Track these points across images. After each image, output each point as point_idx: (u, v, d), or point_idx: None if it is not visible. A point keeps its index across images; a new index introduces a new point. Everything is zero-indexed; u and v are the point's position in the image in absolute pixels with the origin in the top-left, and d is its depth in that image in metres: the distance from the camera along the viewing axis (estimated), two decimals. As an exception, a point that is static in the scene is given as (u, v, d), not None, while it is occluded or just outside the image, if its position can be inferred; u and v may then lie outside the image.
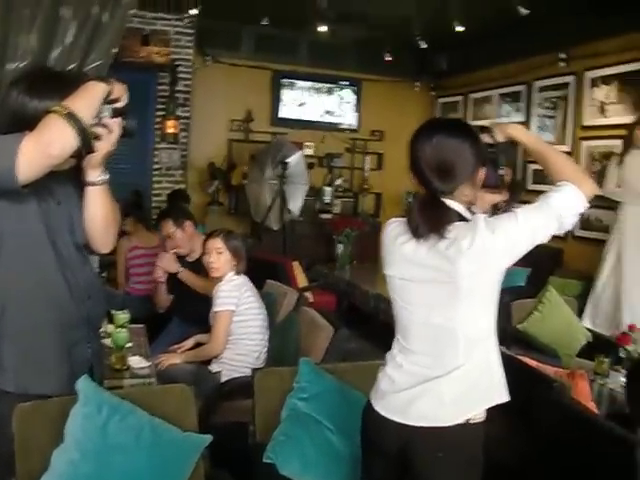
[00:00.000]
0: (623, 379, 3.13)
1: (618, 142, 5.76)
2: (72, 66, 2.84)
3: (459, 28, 6.51)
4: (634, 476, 1.98)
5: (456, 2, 6.07)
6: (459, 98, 8.79)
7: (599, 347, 3.99)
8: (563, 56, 6.78)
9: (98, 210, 2.06)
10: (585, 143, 6.69)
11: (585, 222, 6.46)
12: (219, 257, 3.57)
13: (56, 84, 1.94)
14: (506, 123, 2.02)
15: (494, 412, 1.87)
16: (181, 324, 4.08)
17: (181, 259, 4.17)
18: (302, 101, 8.63)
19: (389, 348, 2.01)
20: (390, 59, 8.00)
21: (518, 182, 6.76)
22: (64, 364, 2.08)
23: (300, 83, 8.60)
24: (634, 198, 5.34)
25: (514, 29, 6.59)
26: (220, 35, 7.83)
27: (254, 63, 8.17)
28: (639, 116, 5.58)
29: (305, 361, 2.69)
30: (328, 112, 8.77)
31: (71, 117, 1.77)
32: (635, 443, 2.02)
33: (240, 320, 3.51)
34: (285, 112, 8.53)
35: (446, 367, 1.82)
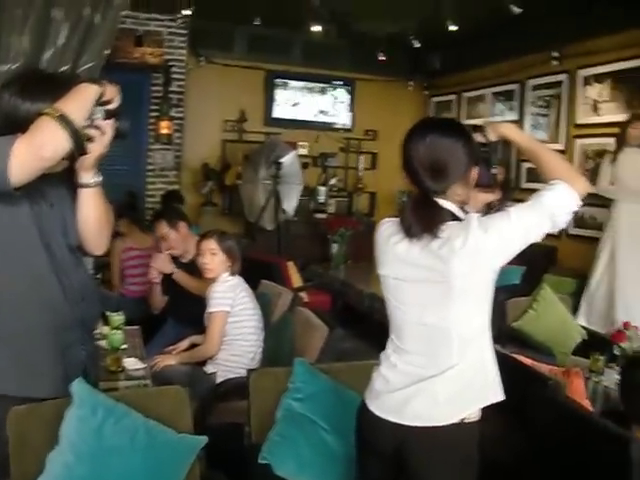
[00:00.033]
0: (618, 376, 3.14)
1: (611, 140, 5.77)
2: (64, 68, 2.84)
3: (452, 27, 6.52)
4: (629, 473, 1.98)
5: (449, 2, 6.07)
6: (452, 97, 8.80)
7: (594, 345, 4.00)
8: (556, 54, 6.80)
9: (91, 212, 2.06)
10: (578, 141, 6.71)
11: (579, 220, 6.48)
12: (213, 258, 3.57)
13: (48, 86, 1.94)
14: (498, 122, 2.02)
15: (489, 411, 1.87)
16: (176, 325, 4.08)
17: (175, 260, 4.17)
18: (296, 101, 8.63)
19: (384, 347, 2.01)
20: (383, 59, 8.01)
21: (509, 181, 6.77)
22: (58, 366, 2.07)
23: (293, 83, 8.60)
24: (627, 195, 5.37)
25: (507, 28, 6.61)
26: (213, 35, 7.84)
27: (247, 63, 8.17)
28: (632, 114, 5.60)
29: (300, 361, 2.69)
30: (322, 112, 8.78)
31: (63, 119, 1.76)
32: (629, 440, 2.02)
33: (235, 321, 3.50)
34: (279, 112, 8.53)
35: (440, 367, 1.82)
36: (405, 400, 1.85)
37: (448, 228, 1.78)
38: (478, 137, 1.94)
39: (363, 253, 6.82)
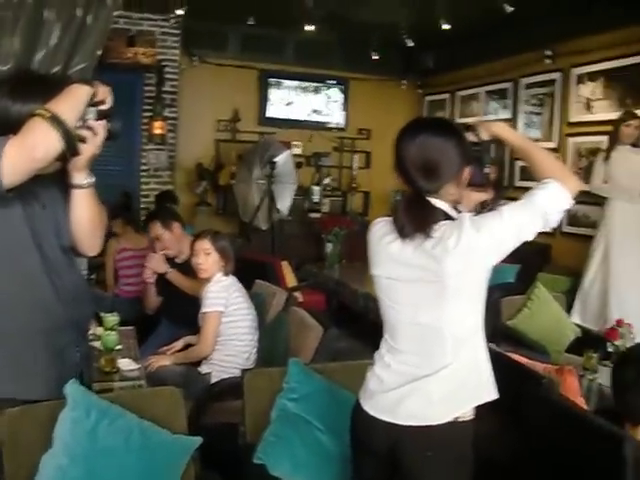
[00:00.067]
0: (611, 374, 3.14)
1: (604, 138, 5.79)
2: (56, 69, 2.82)
3: (445, 26, 6.52)
4: (622, 471, 1.99)
5: (442, 0, 6.07)
6: (446, 96, 8.81)
7: (588, 342, 4.00)
8: (549, 53, 6.81)
9: (84, 213, 2.05)
10: (572, 139, 6.72)
11: (572, 218, 6.50)
12: (207, 258, 3.57)
13: (40, 87, 1.93)
14: (490, 121, 2.03)
15: (483, 410, 1.87)
16: (170, 326, 4.07)
17: (170, 260, 4.16)
18: (289, 100, 8.63)
19: (379, 347, 2.01)
20: (377, 58, 8.00)
21: (502, 180, 6.78)
22: (51, 368, 2.07)
23: (287, 82, 8.59)
24: (620, 194, 5.38)
25: (500, 27, 6.62)
26: (206, 35, 7.82)
27: (241, 63, 8.16)
28: (625, 112, 5.61)
29: (294, 361, 2.69)
30: (315, 111, 8.78)
31: (55, 120, 1.76)
32: (622, 438, 2.03)
33: (229, 321, 3.50)
34: (272, 112, 8.53)
35: (434, 366, 1.82)
36: (399, 400, 1.85)
37: (441, 228, 1.78)
38: (470, 136, 1.94)
39: (357, 252, 6.79)
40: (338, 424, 2.34)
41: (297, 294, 5.13)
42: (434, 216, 1.81)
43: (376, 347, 2.01)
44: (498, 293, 4.38)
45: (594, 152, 6.08)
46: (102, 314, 3.43)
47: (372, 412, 1.90)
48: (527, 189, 1.82)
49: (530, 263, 5.56)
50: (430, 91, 9.13)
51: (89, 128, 1.91)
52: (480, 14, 6.43)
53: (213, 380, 3.41)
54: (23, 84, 1.98)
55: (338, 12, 6.95)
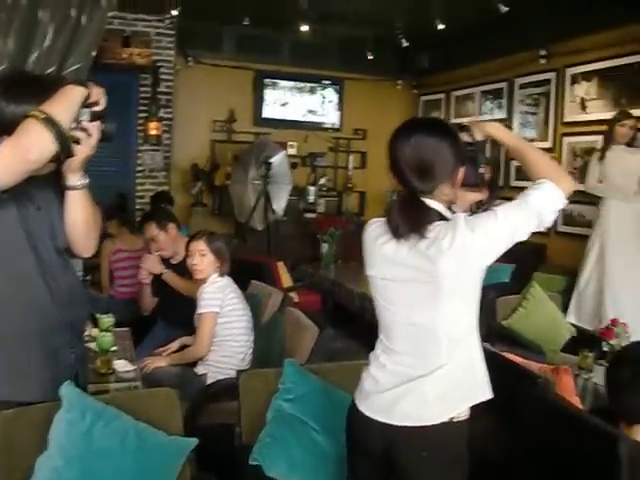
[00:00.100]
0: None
1: (599, 138, 5.79)
2: (50, 70, 2.81)
3: (440, 26, 6.53)
4: (618, 470, 1.99)
5: (437, 1, 6.08)
6: (441, 96, 8.81)
7: (583, 342, 4.01)
8: (544, 53, 6.82)
9: (79, 214, 2.05)
10: (567, 139, 6.74)
11: (568, 217, 6.52)
12: (202, 259, 3.57)
13: (34, 88, 1.93)
14: (484, 121, 2.03)
15: (479, 409, 1.87)
16: (166, 327, 4.07)
17: (165, 261, 4.16)
18: (285, 101, 8.62)
19: (374, 347, 2.01)
20: (372, 58, 8.00)
21: (496, 180, 6.80)
22: (46, 369, 2.07)
23: (282, 83, 8.59)
24: (615, 193, 5.39)
25: (495, 27, 6.62)
26: (201, 36, 7.82)
27: (236, 63, 8.14)
28: (619, 112, 5.62)
29: (290, 362, 2.69)
30: (311, 111, 8.77)
31: (49, 121, 1.75)
32: (617, 437, 2.03)
33: (224, 322, 3.50)
34: (268, 112, 8.52)
35: (429, 366, 1.82)
36: (394, 400, 1.85)
37: (435, 228, 1.78)
38: (464, 137, 1.94)
39: (353, 253, 6.81)
40: (334, 424, 2.34)
41: (293, 294, 5.13)
42: (428, 216, 1.80)
43: (372, 347, 2.01)
44: (493, 293, 4.39)
45: (589, 152, 6.10)
46: (97, 315, 3.44)
47: (367, 412, 1.90)
48: (523, 189, 1.82)
49: (525, 263, 5.58)
50: (425, 91, 9.14)
51: (83, 129, 1.90)
52: (475, 14, 6.44)
53: (209, 381, 3.41)
54: (17, 85, 1.97)
55: (333, 12, 6.94)
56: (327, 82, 8.78)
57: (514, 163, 7.05)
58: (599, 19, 5.83)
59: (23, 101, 1.87)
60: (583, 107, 6.51)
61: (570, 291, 5.63)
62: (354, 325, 5.72)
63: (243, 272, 4.00)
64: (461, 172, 1.89)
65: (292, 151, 8.32)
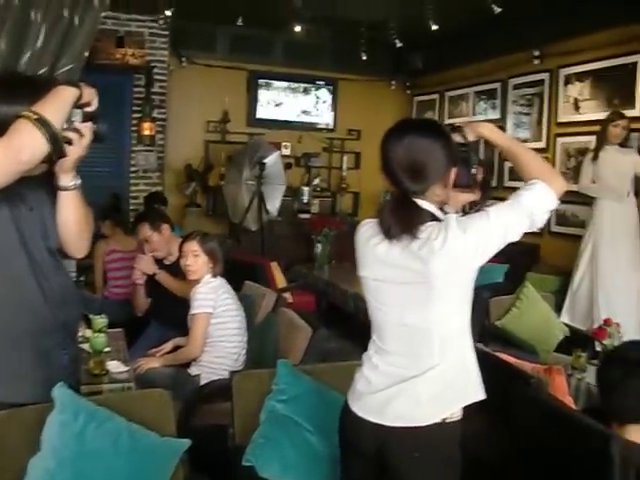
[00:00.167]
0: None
1: (592, 138, 5.81)
2: (43, 70, 2.80)
3: (434, 27, 6.53)
4: (610, 469, 2.00)
5: (430, 1, 6.08)
6: (435, 96, 8.83)
7: (576, 342, 4.02)
8: (537, 54, 6.83)
9: (71, 215, 2.05)
10: (560, 139, 6.75)
11: (561, 217, 6.53)
12: (196, 260, 3.56)
13: (26, 89, 1.92)
14: (477, 122, 2.03)
15: (471, 410, 1.88)
16: (159, 327, 4.07)
17: (159, 262, 4.16)
18: (279, 101, 8.61)
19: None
20: (366, 58, 8.00)
21: (488, 181, 6.80)
22: (38, 370, 2.06)
23: (276, 83, 8.58)
24: (608, 193, 5.41)
25: (488, 27, 6.63)
26: (195, 36, 7.81)
27: (230, 64, 8.14)
28: (612, 112, 5.64)
29: (283, 363, 2.69)
30: (305, 112, 8.77)
31: (41, 122, 1.75)
32: (610, 437, 2.04)
33: (218, 322, 3.50)
34: (262, 112, 8.51)
35: (421, 367, 1.82)
36: (387, 401, 1.85)
37: (427, 229, 1.78)
38: (457, 137, 1.94)
39: (347, 253, 6.74)
40: (327, 425, 2.34)
41: (287, 295, 5.13)
42: (420, 217, 1.80)
43: (366, 348, 2.01)
44: (487, 293, 4.40)
45: (582, 152, 6.11)
46: (91, 316, 3.43)
47: (360, 413, 1.90)
48: (516, 189, 1.83)
49: (519, 263, 5.58)
50: (419, 91, 9.15)
51: (75, 130, 1.90)
52: (468, 15, 6.44)
53: (202, 382, 3.41)
54: (9, 86, 1.97)
55: (327, 12, 6.94)
56: (321, 82, 8.78)
57: (508, 164, 7.06)
58: (592, 20, 5.84)
59: (15, 102, 1.86)
60: (576, 107, 6.53)
61: (563, 291, 5.65)
62: (348, 325, 5.72)
63: (237, 272, 4.00)
64: (453, 173, 1.89)
65: (286, 151, 8.32)
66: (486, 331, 4.31)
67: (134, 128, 7.25)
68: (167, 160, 7.63)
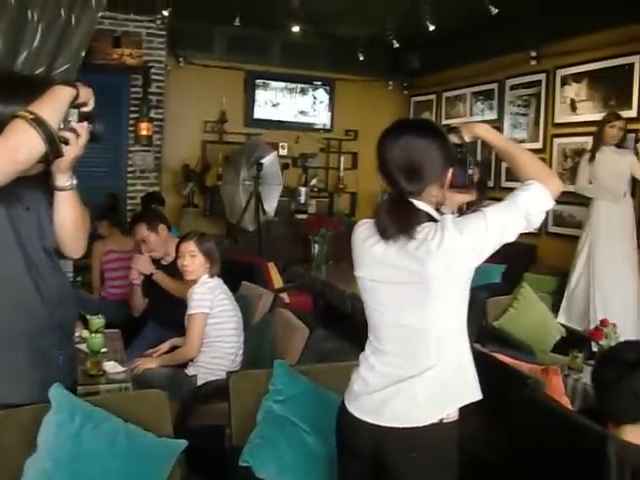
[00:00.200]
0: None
1: (589, 139, 5.82)
2: (39, 70, 2.79)
3: (431, 27, 6.54)
4: (606, 469, 2.00)
5: (428, 2, 6.09)
6: (432, 97, 8.83)
7: (573, 342, 4.03)
8: (534, 54, 6.84)
9: (68, 215, 2.05)
10: (557, 140, 6.76)
11: (558, 218, 6.54)
12: (193, 260, 3.56)
13: (22, 89, 1.92)
14: (473, 123, 2.03)
15: (468, 410, 1.88)
16: (156, 328, 4.06)
17: (156, 262, 4.16)
18: (276, 102, 8.61)
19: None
20: (363, 58, 8.01)
21: (485, 181, 6.81)
22: (35, 370, 2.06)
23: (274, 84, 8.58)
24: (605, 194, 5.42)
25: (485, 28, 6.64)
26: (192, 36, 7.80)
27: (227, 64, 8.13)
28: (609, 113, 5.65)
29: (279, 363, 2.69)
30: (302, 112, 8.76)
31: (37, 122, 1.75)
32: (606, 437, 2.04)
33: (214, 322, 3.50)
34: (259, 113, 8.51)
35: (418, 368, 1.82)
36: (384, 401, 1.85)
37: (424, 229, 1.78)
38: (453, 138, 1.94)
39: (344, 253, 6.72)
40: (324, 425, 2.34)
41: (283, 295, 5.13)
42: (417, 217, 1.80)
43: (364, 348, 2.01)
44: (484, 293, 4.41)
45: (579, 153, 6.13)
46: (88, 317, 3.43)
47: (357, 414, 1.90)
48: (513, 190, 1.83)
49: (516, 263, 5.60)
50: (416, 92, 9.15)
51: (72, 130, 1.90)
52: (465, 15, 6.45)
53: (199, 382, 3.40)
54: (5, 86, 1.97)
55: (324, 13, 6.94)
56: (318, 83, 8.78)
57: (505, 164, 7.06)
58: (589, 21, 5.85)
59: (11, 101, 1.86)
60: (573, 108, 6.54)
61: (560, 292, 5.66)
62: (345, 326, 5.72)
63: (234, 273, 4.00)
64: (450, 173, 1.89)
65: (283, 152, 8.32)
66: (483, 331, 4.31)
67: (131, 128, 7.25)
68: (164, 160, 7.63)
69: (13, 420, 2.07)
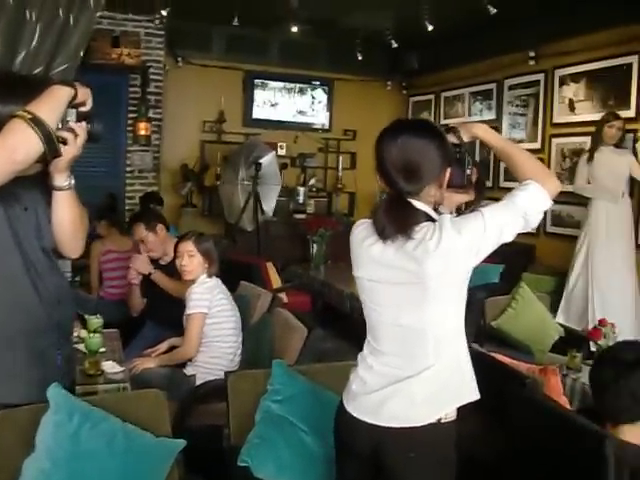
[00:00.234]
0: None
1: (587, 139, 5.83)
2: (38, 70, 2.79)
3: (430, 27, 6.54)
4: (604, 469, 2.00)
5: (426, 2, 6.09)
6: (431, 97, 8.83)
7: (571, 342, 4.03)
8: (532, 54, 6.84)
9: (66, 215, 2.05)
10: (555, 140, 6.76)
11: (556, 218, 6.55)
12: (191, 260, 3.56)
13: (20, 88, 1.92)
14: (471, 123, 2.03)
15: (467, 410, 1.88)
16: (155, 328, 4.06)
17: (154, 262, 4.15)
18: (274, 101, 8.61)
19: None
20: (361, 58, 8.00)
21: (483, 181, 6.81)
22: (32, 370, 2.06)
23: (272, 83, 8.58)
24: (603, 194, 5.42)
25: (484, 28, 6.64)
26: (191, 36, 7.79)
27: (225, 64, 8.13)
28: (607, 113, 5.65)
29: (278, 363, 2.69)
30: (300, 112, 8.77)
31: (35, 122, 1.75)
32: (604, 437, 2.04)
33: (213, 322, 3.50)
34: (258, 113, 8.51)
35: (416, 367, 1.82)
36: (382, 401, 1.85)
37: (422, 229, 1.78)
38: (451, 138, 1.94)
39: (343, 253, 6.72)
40: (322, 425, 2.34)
41: (282, 295, 5.13)
42: (415, 217, 1.80)
43: (362, 348, 2.01)
44: (482, 293, 4.41)
45: (578, 153, 6.13)
46: (86, 316, 3.43)
47: (355, 413, 1.90)
48: (512, 190, 1.83)
49: (514, 263, 5.60)
50: (415, 92, 9.16)
51: (70, 130, 1.90)
52: (464, 15, 6.45)
53: (198, 382, 3.40)
54: (3, 85, 1.97)
55: (323, 13, 6.94)
56: (317, 83, 8.78)
57: (503, 164, 7.06)
58: (587, 21, 5.86)
59: (9, 101, 1.86)
60: (572, 108, 6.54)
61: (559, 291, 5.67)
62: (344, 325, 5.72)
63: (233, 273, 4.00)
64: (448, 173, 1.89)
65: (282, 152, 8.31)
66: (481, 331, 4.32)
67: (130, 128, 7.24)
68: (163, 160, 7.62)
69: (11, 420, 2.07)
